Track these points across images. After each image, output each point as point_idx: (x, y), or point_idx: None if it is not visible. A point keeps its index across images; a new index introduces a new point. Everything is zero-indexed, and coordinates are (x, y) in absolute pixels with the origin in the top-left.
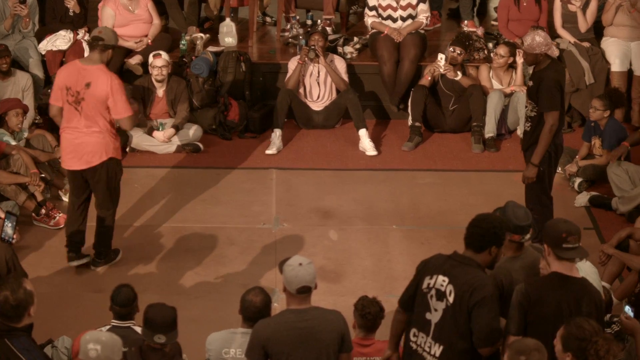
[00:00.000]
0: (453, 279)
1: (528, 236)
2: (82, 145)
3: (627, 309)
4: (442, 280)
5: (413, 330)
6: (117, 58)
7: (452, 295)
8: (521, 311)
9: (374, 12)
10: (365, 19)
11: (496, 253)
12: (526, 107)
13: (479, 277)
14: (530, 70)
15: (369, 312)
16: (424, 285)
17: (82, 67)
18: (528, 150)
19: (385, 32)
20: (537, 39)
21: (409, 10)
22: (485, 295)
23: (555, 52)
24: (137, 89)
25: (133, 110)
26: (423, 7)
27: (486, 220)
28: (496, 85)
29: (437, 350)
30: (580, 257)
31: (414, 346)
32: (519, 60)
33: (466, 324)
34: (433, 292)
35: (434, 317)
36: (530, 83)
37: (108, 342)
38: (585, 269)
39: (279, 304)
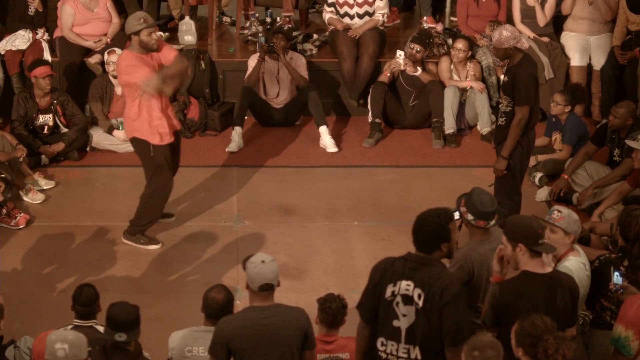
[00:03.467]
0: (419, 282)
1: (493, 222)
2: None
3: (617, 275)
4: (406, 285)
5: (380, 340)
6: (76, 57)
7: (422, 298)
8: (495, 310)
9: (331, 9)
10: (324, 14)
11: (448, 246)
12: (501, 102)
13: (444, 276)
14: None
15: (329, 306)
16: (388, 294)
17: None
18: (500, 144)
19: (340, 27)
20: (504, 33)
21: (365, 7)
22: (455, 294)
23: (525, 45)
24: (96, 88)
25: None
26: (380, 4)
27: (425, 224)
28: (456, 79)
29: (416, 353)
30: (550, 251)
31: (384, 355)
32: (479, 56)
33: (439, 324)
34: (399, 298)
35: (403, 323)
36: (505, 78)
37: (75, 341)
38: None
39: (241, 302)
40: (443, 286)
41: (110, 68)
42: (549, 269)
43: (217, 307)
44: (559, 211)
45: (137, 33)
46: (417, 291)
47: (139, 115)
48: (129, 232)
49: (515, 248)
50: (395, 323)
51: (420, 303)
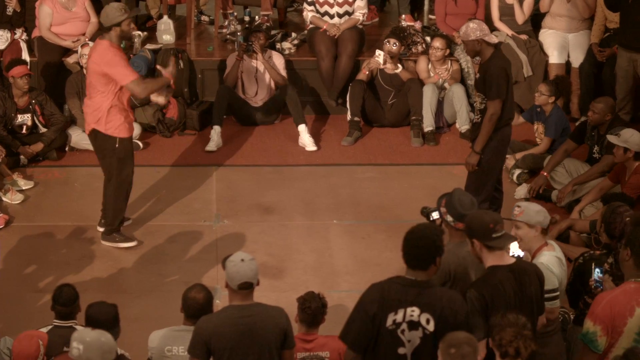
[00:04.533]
0: (426, 307)
1: None
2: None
3: (597, 272)
4: (411, 311)
5: None
6: (54, 57)
7: (432, 322)
8: (483, 317)
9: (312, 7)
10: (305, 13)
11: (441, 259)
12: (475, 100)
13: (451, 297)
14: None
15: (308, 306)
16: (389, 323)
17: None
18: (474, 140)
19: (324, 27)
20: (470, 25)
21: (346, 7)
22: (466, 313)
23: (493, 39)
24: (72, 85)
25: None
26: (360, 4)
27: (423, 237)
28: (435, 78)
29: None
30: (508, 244)
31: None
32: (457, 54)
33: None
34: (404, 325)
35: (408, 349)
36: (477, 75)
37: (92, 344)
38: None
39: (221, 301)
40: (455, 308)
41: (84, 61)
42: (511, 260)
43: (198, 307)
44: (518, 206)
45: (119, 24)
46: (425, 316)
47: (109, 109)
48: (105, 234)
49: (473, 244)
50: (401, 350)
51: (431, 327)
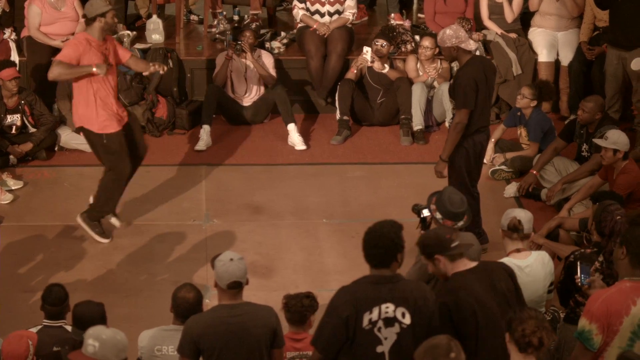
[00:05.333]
0: (400, 301)
1: (461, 223)
2: None
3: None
4: (386, 308)
5: None
6: (44, 57)
7: (407, 315)
8: (447, 324)
9: (303, 5)
10: (295, 11)
11: (402, 255)
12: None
13: (419, 287)
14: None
15: (293, 304)
16: (365, 323)
17: None
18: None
19: (315, 26)
20: (447, 32)
21: (337, 6)
22: (434, 300)
23: (470, 46)
24: (64, 86)
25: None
26: (350, 3)
27: (382, 236)
28: (424, 77)
29: None
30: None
31: None
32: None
33: (428, 333)
34: (380, 323)
35: (386, 346)
36: (451, 81)
37: (107, 342)
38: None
39: (210, 300)
40: (426, 296)
41: None
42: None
43: (188, 307)
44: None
45: (104, 14)
46: (401, 310)
47: (88, 104)
48: (87, 216)
49: (435, 262)
50: (379, 349)
51: (407, 321)
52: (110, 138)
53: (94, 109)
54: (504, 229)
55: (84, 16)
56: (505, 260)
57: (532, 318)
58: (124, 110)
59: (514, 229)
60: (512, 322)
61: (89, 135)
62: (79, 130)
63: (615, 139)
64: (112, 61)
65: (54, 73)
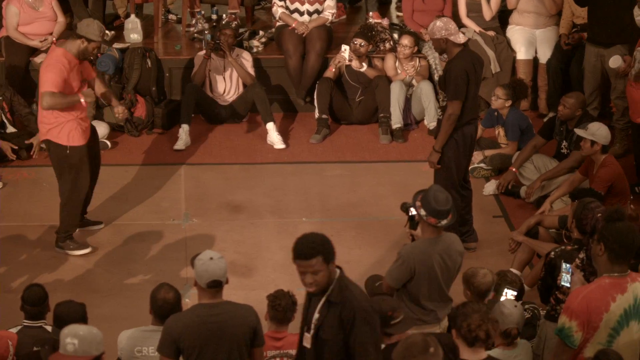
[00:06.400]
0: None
1: (445, 221)
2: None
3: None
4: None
5: None
6: (22, 57)
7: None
8: None
9: (282, 3)
10: (274, 8)
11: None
12: (439, 97)
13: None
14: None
15: (279, 303)
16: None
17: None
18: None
19: (293, 25)
20: (437, 23)
21: (316, 5)
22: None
23: (459, 39)
24: None
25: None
26: (330, 3)
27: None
28: (402, 75)
29: None
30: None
31: None
32: (425, 51)
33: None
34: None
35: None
36: (441, 73)
37: (86, 337)
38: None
39: (190, 300)
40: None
41: None
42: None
43: (168, 307)
44: None
45: (90, 41)
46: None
47: (56, 118)
48: (59, 241)
49: None
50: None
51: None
52: (74, 151)
53: (64, 122)
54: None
55: (74, 27)
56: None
57: (475, 312)
58: (89, 124)
59: (509, 336)
60: (456, 319)
61: (53, 147)
62: (45, 142)
63: (594, 130)
64: (86, 76)
65: (49, 104)
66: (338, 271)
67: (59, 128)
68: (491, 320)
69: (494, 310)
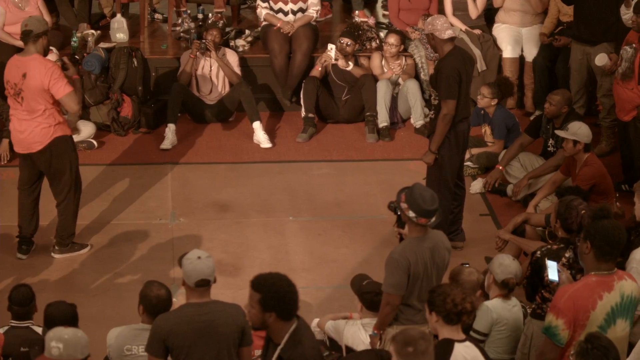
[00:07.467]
0: None
1: (434, 219)
2: (24, 133)
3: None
4: None
5: None
6: (8, 57)
7: None
8: None
9: (266, 4)
10: (259, 10)
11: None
12: (431, 95)
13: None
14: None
15: None
16: None
17: (18, 60)
18: (430, 136)
19: (279, 25)
20: (428, 18)
21: (300, 4)
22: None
23: (443, 35)
24: None
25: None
26: (313, 0)
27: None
28: (388, 74)
29: None
30: None
31: None
32: (411, 49)
33: None
34: None
35: None
36: (432, 71)
37: (71, 340)
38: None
39: (178, 299)
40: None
41: None
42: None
43: (162, 304)
44: None
45: (46, 33)
46: None
47: (56, 118)
48: (62, 246)
49: None
50: None
51: None
52: (72, 140)
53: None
54: (496, 280)
55: (30, 32)
56: (492, 302)
57: (454, 288)
58: None
59: (507, 286)
60: (435, 300)
61: (62, 143)
62: (49, 145)
63: (576, 130)
64: None
65: (76, 101)
66: (294, 325)
67: (63, 121)
68: (469, 293)
69: (492, 263)
